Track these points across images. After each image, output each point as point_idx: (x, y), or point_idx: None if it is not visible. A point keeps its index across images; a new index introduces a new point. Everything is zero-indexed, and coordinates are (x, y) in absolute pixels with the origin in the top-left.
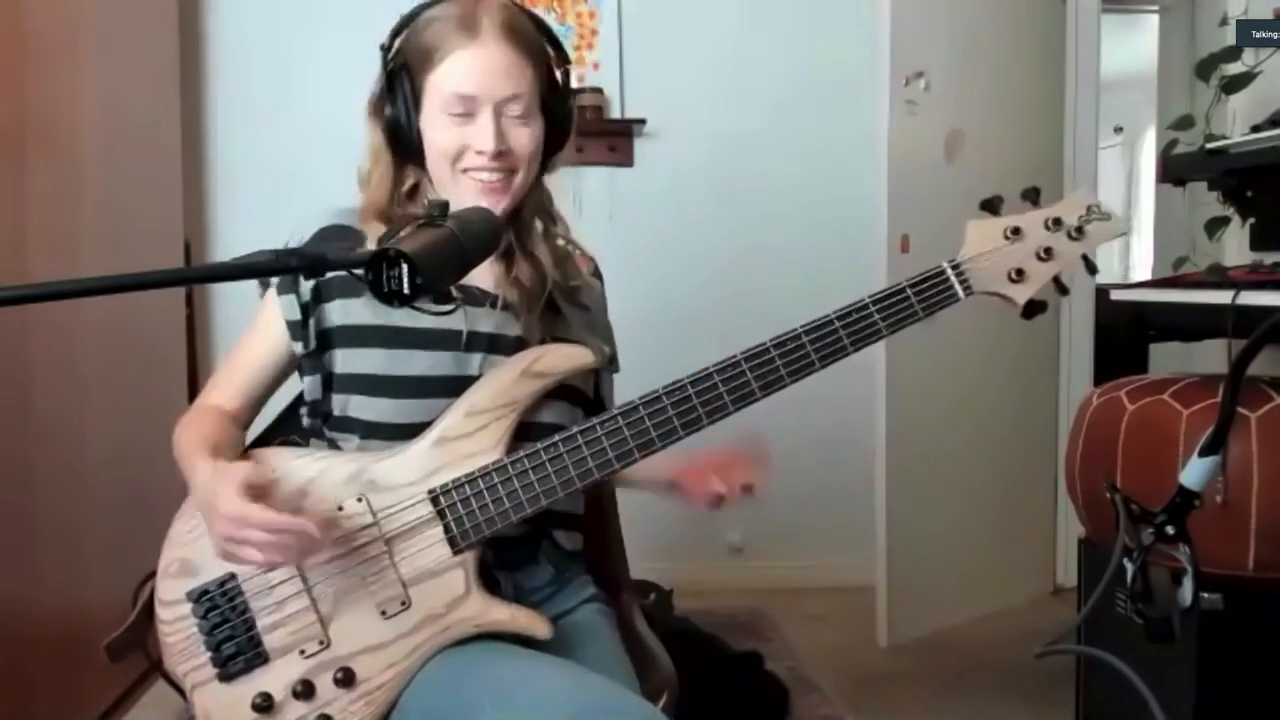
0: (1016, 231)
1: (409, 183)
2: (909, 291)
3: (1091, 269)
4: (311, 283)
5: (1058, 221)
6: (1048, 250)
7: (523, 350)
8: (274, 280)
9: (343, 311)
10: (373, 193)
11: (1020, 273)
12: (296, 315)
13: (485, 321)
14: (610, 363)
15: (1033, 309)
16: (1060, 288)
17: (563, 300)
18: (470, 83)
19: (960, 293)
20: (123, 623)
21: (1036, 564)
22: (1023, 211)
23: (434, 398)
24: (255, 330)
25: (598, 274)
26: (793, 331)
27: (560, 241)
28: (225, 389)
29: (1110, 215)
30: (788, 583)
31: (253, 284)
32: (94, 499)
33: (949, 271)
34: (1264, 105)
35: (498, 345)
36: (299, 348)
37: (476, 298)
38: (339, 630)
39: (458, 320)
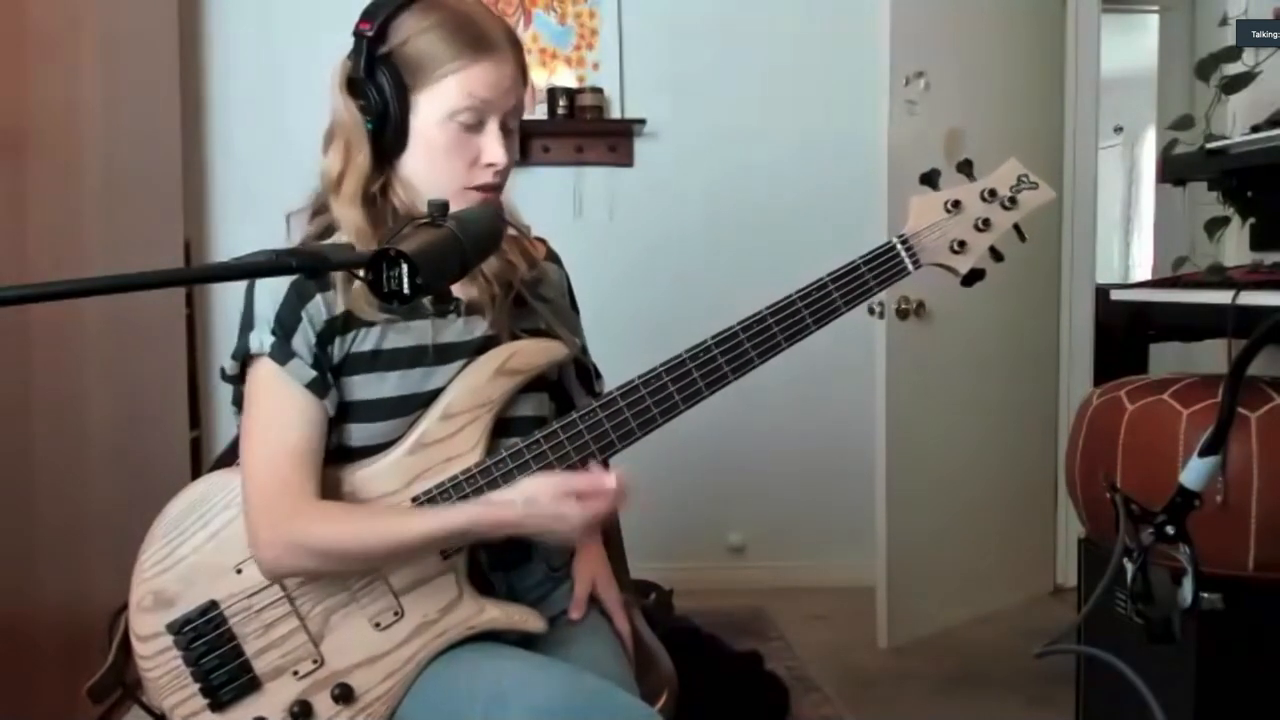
0: (956, 204)
1: (380, 180)
2: (863, 268)
3: (1022, 237)
4: (313, 338)
5: (992, 193)
6: (985, 221)
7: (492, 348)
8: (260, 350)
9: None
10: (354, 175)
11: (962, 244)
12: (310, 374)
13: (450, 331)
14: (582, 352)
15: (972, 277)
16: (996, 255)
17: (526, 293)
18: (489, 95)
19: (910, 266)
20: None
21: (1036, 564)
22: (959, 185)
23: (408, 415)
24: (269, 418)
25: (554, 257)
26: (759, 314)
27: (513, 232)
28: (300, 485)
29: (1039, 184)
30: (788, 583)
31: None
32: (94, 499)
33: (899, 247)
34: (1264, 105)
35: (467, 350)
36: (330, 405)
37: (440, 308)
38: (332, 647)
39: (424, 335)
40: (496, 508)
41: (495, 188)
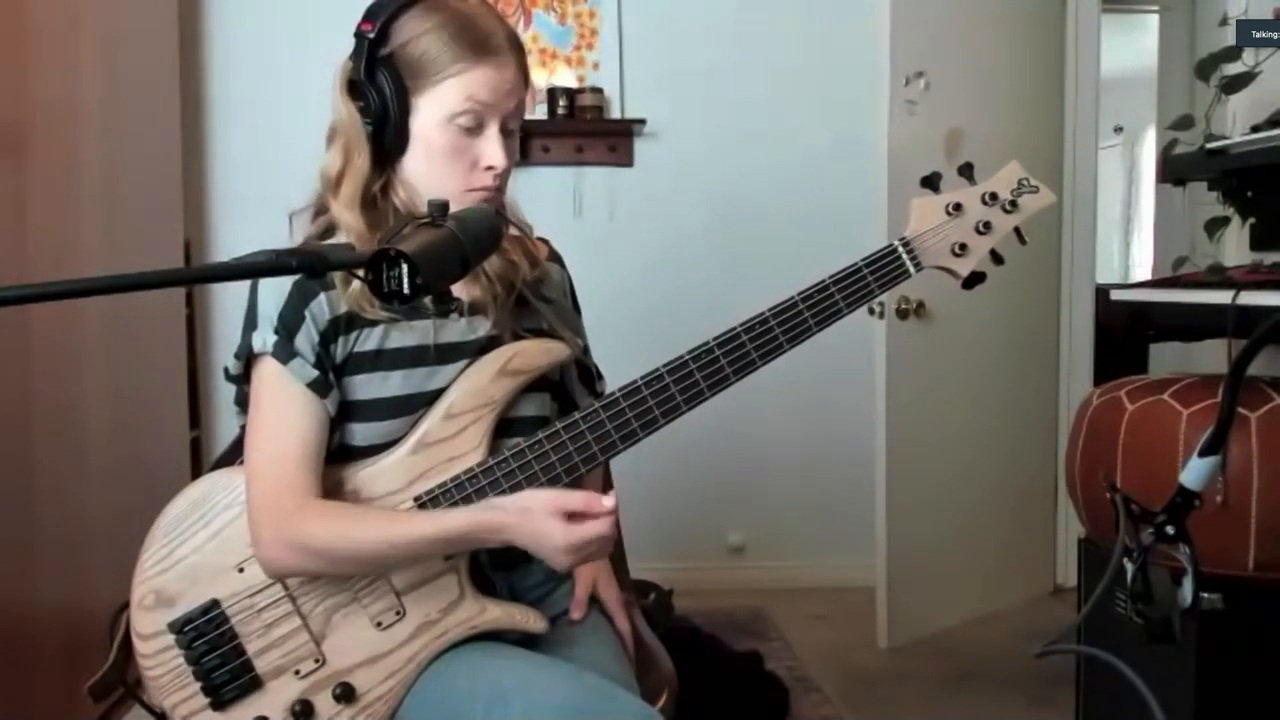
0: (958, 207)
1: (381, 180)
2: (865, 270)
3: (1022, 240)
4: (316, 337)
5: (993, 196)
6: (986, 224)
7: (495, 348)
8: (263, 349)
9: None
10: (354, 177)
11: (963, 247)
12: (312, 374)
13: (453, 330)
14: (584, 353)
15: (973, 280)
16: (997, 259)
17: (529, 294)
18: (489, 98)
19: (911, 269)
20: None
21: (1036, 564)
22: (960, 188)
23: (411, 415)
24: (272, 417)
25: (556, 257)
26: (760, 315)
27: (515, 232)
28: (302, 484)
29: (1039, 187)
30: (788, 583)
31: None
32: (94, 498)
33: (900, 250)
34: (1264, 105)
35: (470, 350)
36: (331, 405)
37: (441, 308)
38: (333, 646)
39: (426, 334)
40: (494, 513)
41: (495, 190)
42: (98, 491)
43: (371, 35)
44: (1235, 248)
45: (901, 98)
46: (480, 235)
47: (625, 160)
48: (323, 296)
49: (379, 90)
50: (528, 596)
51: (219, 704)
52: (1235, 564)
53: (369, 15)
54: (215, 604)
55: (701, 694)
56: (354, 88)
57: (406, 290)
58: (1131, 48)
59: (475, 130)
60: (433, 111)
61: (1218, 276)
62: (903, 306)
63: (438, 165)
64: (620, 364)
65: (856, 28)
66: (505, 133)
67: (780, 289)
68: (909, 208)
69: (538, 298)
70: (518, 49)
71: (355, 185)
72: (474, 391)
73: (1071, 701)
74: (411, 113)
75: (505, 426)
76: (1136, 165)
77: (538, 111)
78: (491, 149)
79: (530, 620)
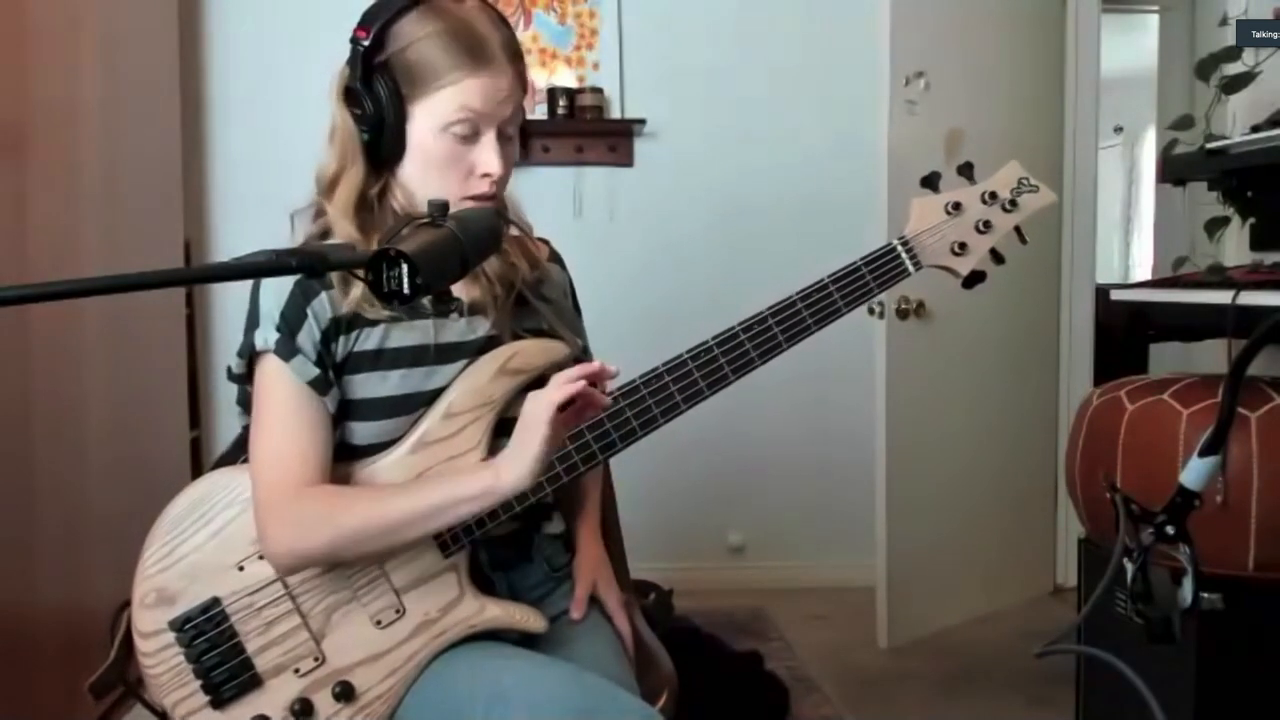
0: (957, 207)
1: (379, 185)
2: (864, 270)
3: (1022, 239)
4: (318, 335)
5: (993, 195)
6: (986, 223)
7: (494, 348)
8: (265, 346)
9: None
10: (348, 184)
11: (963, 246)
12: (314, 372)
13: (452, 330)
14: (584, 353)
15: (973, 279)
16: (997, 258)
17: (529, 293)
18: (484, 108)
19: (910, 268)
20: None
21: (1036, 564)
22: (960, 187)
23: (410, 414)
24: (275, 415)
25: (556, 258)
26: (759, 314)
27: (515, 232)
28: (305, 480)
29: (1039, 186)
30: (788, 583)
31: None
32: (94, 498)
33: (899, 249)
34: (1264, 105)
35: (469, 350)
36: (331, 403)
37: (441, 308)
38: (333, 645)
39: (426, 334)
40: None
41: (491, 197)
42: (98, 491)
43: (366, 43)
44: (1235, 248)
45: (901, 98)
46: (480, 236)
47: (625, 160)
48: (324, 295)
49: (375, 98)
50: (527, 596)
51: (219, 702)
52: (1235, 564)
53: (364, 21)
54: (215, 602)
55: (701, 694)
56: (350, 94)
57: (406, 290)
58: (1131, 48)
59: (471, 138)
60: (428, 120)
61: (1218, 276)
62: (903, 306)
63: (434, 173)
64: (620, 364)
65: (856, 28)
66: (502, 138)
67: (780, 289)
68: (909, 207)
69: (538, 298)
70: (514, 54)
71: (350, 191)
72: (473, 391)
73: (1071, 701)
74: (408, 120)
75: (505, 426)
76: (1136, 165)
77: (538, 111)
78: (487, 157)
79: (530, 620)
